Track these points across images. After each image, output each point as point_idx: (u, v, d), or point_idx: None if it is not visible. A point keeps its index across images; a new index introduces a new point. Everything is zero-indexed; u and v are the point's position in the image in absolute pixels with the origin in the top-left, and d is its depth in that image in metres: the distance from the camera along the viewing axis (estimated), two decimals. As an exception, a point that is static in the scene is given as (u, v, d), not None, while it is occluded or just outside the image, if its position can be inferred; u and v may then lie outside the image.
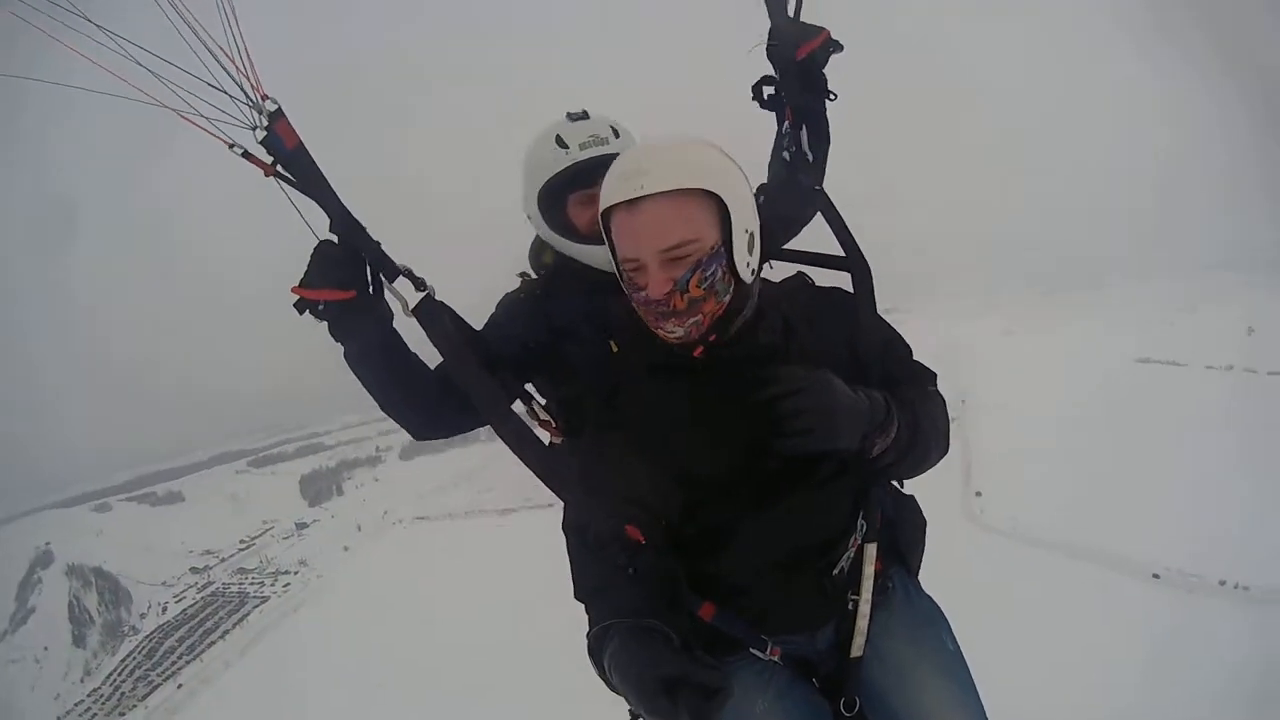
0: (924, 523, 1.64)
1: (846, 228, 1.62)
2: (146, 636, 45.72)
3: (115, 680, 42.02)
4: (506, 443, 1.30)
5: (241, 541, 55.65)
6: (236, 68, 1.22)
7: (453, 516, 50.88)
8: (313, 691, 31.86)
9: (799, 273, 1.58)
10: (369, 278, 1.39)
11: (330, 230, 1.38)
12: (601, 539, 1.27)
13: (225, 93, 1.22)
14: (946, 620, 1.55)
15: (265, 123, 1.28)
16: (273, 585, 48.44)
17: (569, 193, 1.66)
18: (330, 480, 62.88)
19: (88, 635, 47.30)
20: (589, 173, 1.60)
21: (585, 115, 1.74)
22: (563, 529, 1.42)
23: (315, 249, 1.35)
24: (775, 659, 1.40)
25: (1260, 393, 34.38)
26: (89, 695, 41.18)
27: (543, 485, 1.32)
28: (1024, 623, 21.37)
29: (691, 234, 1.17)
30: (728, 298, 1.25)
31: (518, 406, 1.54)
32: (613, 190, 1.19)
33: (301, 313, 1.35)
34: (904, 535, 1.57)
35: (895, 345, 1.49)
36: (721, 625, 1.34)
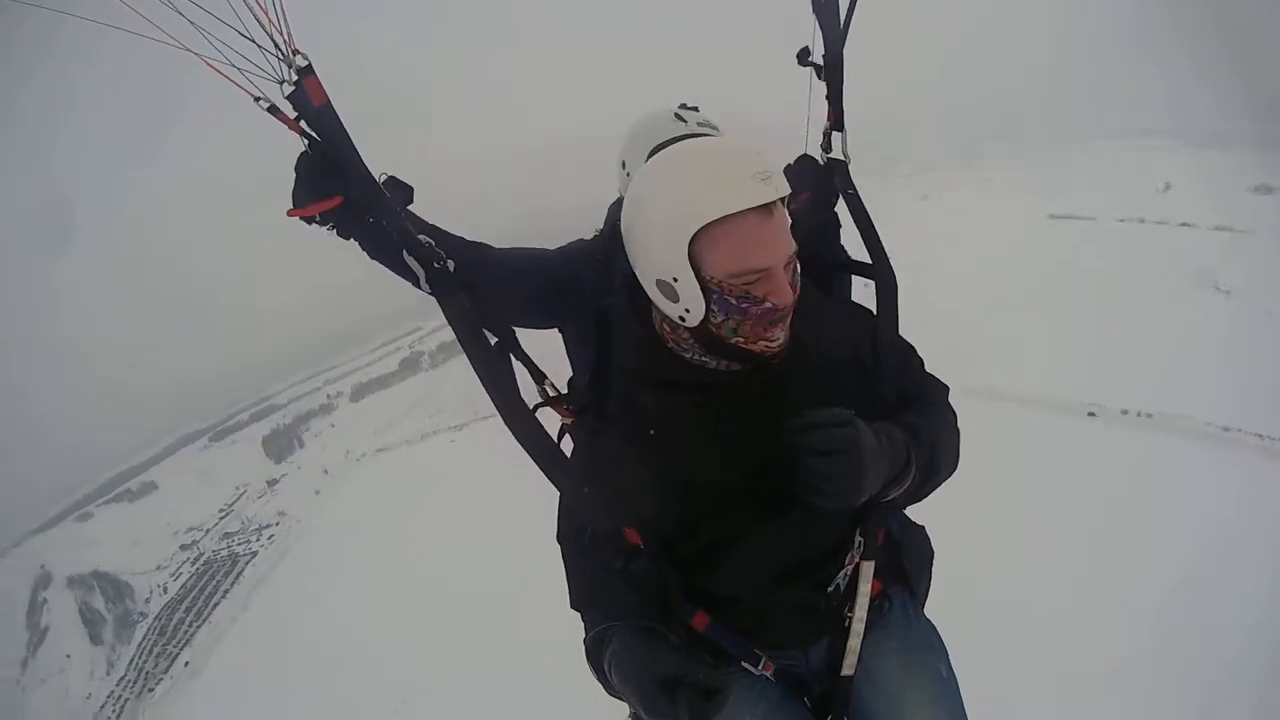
0: (931, 553, 1.60)
1: (877, 236, 1.59)
2: (155, 617, 47.41)
3: (138, 663, 44.06)
4: (512, 431, 1.23)
5: (220, 510, 56.51)
6: (268, 17, 1.16)
7: (410, 442, 52.13)
8: (312, 624, 34.51)
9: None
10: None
11: (349, 196, 1.33)
12: (598, 539, 1.26)
13: (254, 42, 1.15)
14: (944, 647, 1.52)
15: (294, 78, 1.22)
16: (258, 540, 50.19)
17: None
18: (289, 436, 62.82)
19: (102, 632, 48.74)
20: None
21: (696, 109, 1.95)
22: (557, 539, 1.40)
23: (296, 164, 1.31)
24: (768, 675, 1.37)
25: (1168, 242, 35.14)
26: (117, 684, 43.26)
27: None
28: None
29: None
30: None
31: (527, 387, 1.47)
32: (746, 192, 1.06)
33: (310, 224, 1.36)
34: (909, 560, 1.54)
35: (911, 359, 1.46)
36: (714, 637, 1.32)
